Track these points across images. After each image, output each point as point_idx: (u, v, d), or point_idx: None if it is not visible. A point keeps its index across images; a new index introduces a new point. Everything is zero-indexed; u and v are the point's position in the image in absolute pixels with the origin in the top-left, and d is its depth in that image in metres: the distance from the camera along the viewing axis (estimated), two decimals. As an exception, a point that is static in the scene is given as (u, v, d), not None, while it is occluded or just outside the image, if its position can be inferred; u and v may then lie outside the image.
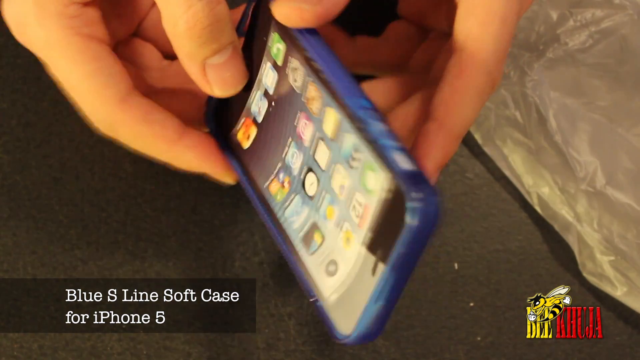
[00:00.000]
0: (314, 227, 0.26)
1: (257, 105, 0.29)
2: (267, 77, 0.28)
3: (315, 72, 0.25)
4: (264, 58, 0.29)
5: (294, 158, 0.27)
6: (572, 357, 0.34)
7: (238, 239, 0.35)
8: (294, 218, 0.27)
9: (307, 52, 0.26)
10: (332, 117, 0.25)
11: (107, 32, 0.28)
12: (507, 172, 0.36)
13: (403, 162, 0.21)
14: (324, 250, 0.25)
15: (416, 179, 0.21)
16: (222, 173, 0.30)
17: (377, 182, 0.22)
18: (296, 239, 0.27)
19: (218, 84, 0.27)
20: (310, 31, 0.26)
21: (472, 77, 0.26)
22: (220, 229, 0.35)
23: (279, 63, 0.28)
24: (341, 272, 0.24)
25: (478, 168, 0.37)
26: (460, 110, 0.26)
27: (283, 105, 0.28)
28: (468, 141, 0.37)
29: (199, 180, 0.36)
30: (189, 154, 0.28)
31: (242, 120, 0.30)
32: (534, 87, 0.35)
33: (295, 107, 0.27)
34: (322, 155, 0.26)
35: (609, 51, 0.35)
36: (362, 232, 0.23)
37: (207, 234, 0.35)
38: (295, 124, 0.27)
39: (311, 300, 0.26)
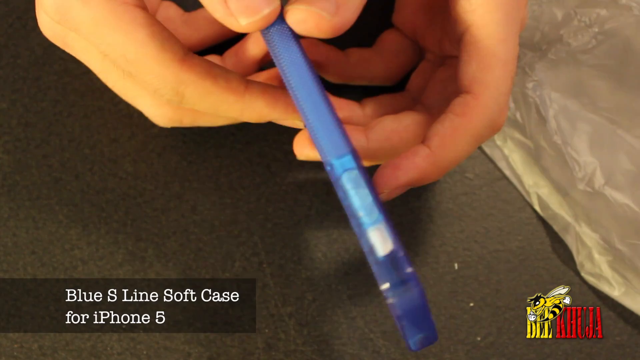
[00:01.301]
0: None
1: None
2: None
3: (300, 108, 0.24)
4: None
5: None
6: (572, 357, 0.34)
7: (238, 239, 0.35)
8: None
9: (289, 80, 0.24)
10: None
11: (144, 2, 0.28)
12: (507, 172, 0.36)
13: (379, 245, 0.21)
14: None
15: (392, 266, 0.21)
16: (294, 115, 0.29)
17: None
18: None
19: (242, 11, 0.23)
20: (295, 52, 0.24)
21: (475, 121, 0.27)
22: (220, 229, 0.35)
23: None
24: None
25: (478, 168, 0.37)
26: (455, 148, 0.26)
27: None
28: (468, 141, 0.37)
29: (199, 180, 0.35)
30: (259, 101, 0.28)
31: None
32: (535, 88, 0.35)
33: None
34: None
35: (612, 52, 0.35)
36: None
37: (207, 234, 0.35)
38: None
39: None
